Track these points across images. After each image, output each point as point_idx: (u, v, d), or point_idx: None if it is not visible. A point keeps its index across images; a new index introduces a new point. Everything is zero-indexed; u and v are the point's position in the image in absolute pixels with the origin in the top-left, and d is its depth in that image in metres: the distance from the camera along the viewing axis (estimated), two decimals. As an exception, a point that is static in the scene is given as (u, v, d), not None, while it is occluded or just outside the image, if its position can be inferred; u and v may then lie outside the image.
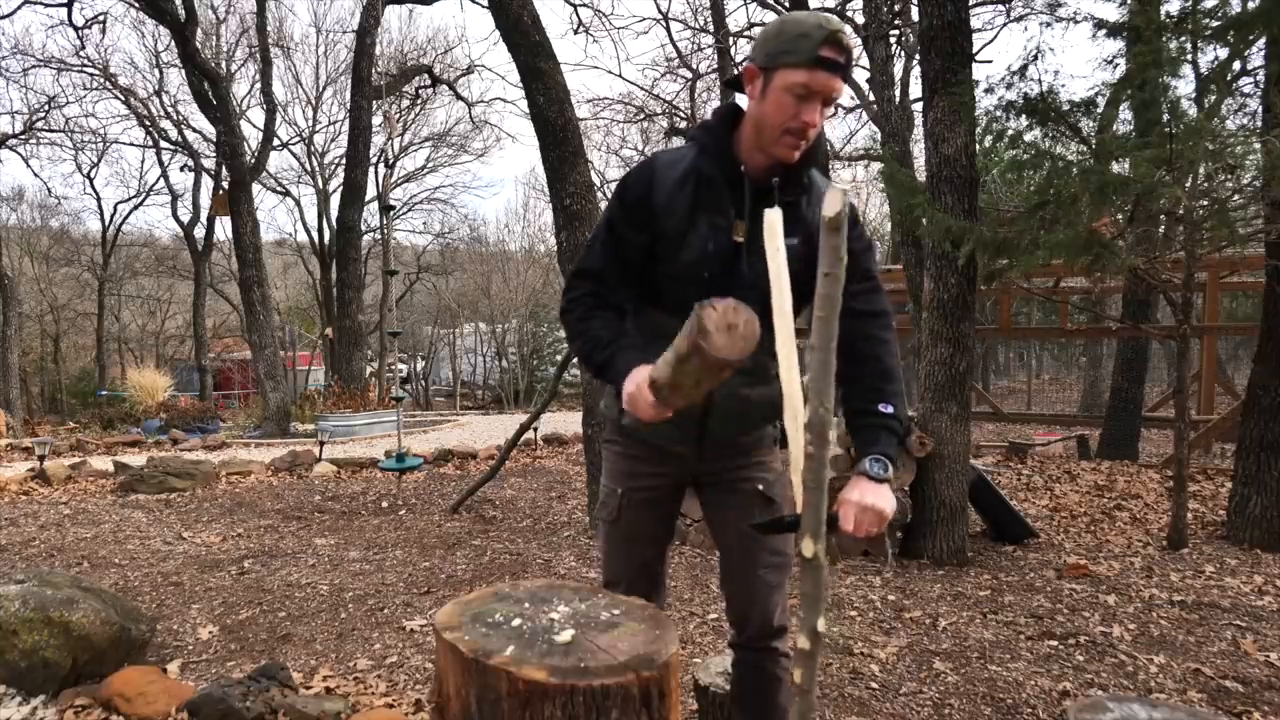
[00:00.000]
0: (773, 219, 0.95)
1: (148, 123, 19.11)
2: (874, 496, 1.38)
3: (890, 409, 1.46)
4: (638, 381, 1.37)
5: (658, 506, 1.73)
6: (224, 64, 18.13)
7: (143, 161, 47.95)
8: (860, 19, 9.73)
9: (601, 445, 1.79)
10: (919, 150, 7.08)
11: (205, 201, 20.39)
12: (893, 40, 8.95)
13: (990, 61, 23.31)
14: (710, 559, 4.16)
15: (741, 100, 1.54)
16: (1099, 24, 4.42)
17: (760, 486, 1.67)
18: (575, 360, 5.41)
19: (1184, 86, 4.22)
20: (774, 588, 1.68)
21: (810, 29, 1.36)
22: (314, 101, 21.61)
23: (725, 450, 1.66)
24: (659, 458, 1.67)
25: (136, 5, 13.60)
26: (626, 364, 1.45)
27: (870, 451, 1.44)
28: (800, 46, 1.36)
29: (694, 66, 14.35)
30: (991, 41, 32.89)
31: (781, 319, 1.15)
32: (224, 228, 18.66)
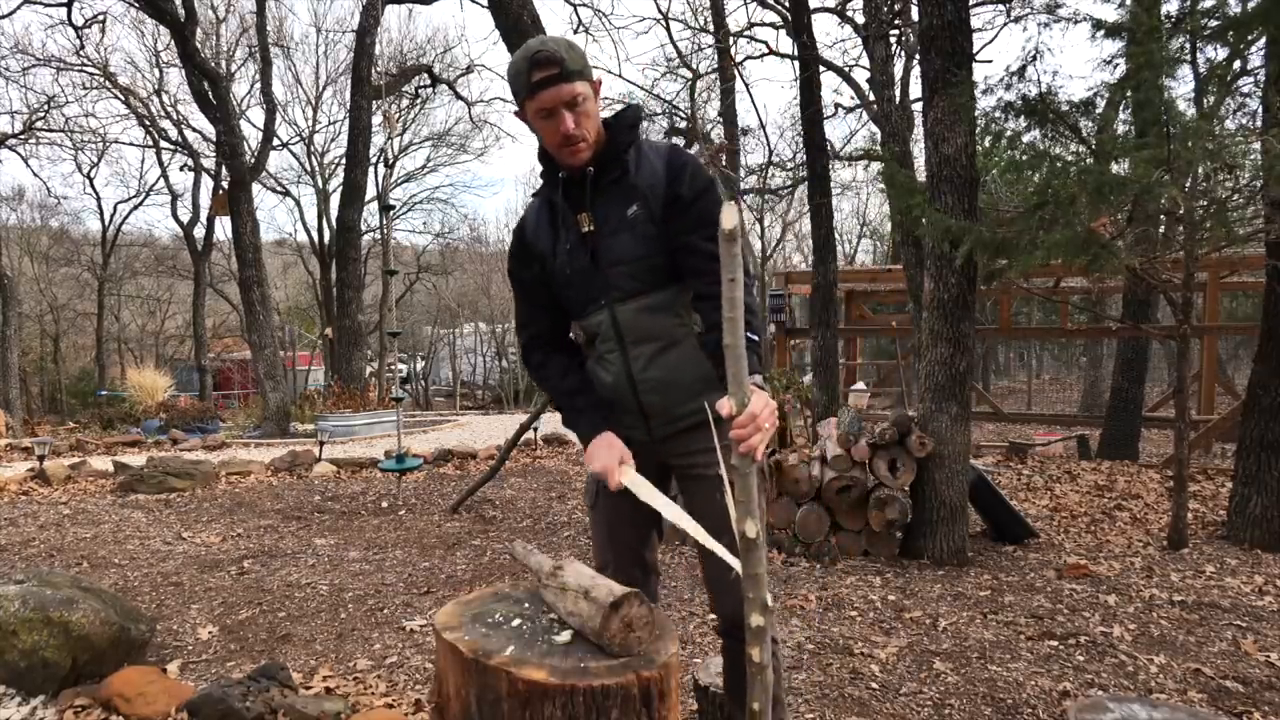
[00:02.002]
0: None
1: (148, 122, 19.11)
2: (764, 396, 1.37)
3: (755, 337, 1.55)
4: (605, 466, 1.61)
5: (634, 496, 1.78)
6: (224, 64, 18.14)
7: (143, 161, 47.99)
8: (860, 19, 9.73)
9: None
10: (919, 150, 7.08)
11: (205, 201, 20.41)
12: (893, 40, 8.95)
13: (990, 61, 23.31)
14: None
15: None
16: (1097, 24, 4.42)
17: (723, 471, 1.71)
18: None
19: (1183, 87, 4.23)
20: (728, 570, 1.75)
21: (519, 65, 1.56)
22: (314, 101, 21.64)
23: (676, 428, 1.76)
24: (626, 444, 1.74)
25: (136, 5, 13.60)
26: (588, 428, 1.70)
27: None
28: (519, 83, 1.57)
29: (694, 66, 14.36)
30: (991, 41, 32.92)
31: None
32: (224, 228, 18.66)
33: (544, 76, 1.53)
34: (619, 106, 1.71)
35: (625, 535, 1.81)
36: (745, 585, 1.19)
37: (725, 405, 1.22)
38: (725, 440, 1.71)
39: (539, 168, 1.76)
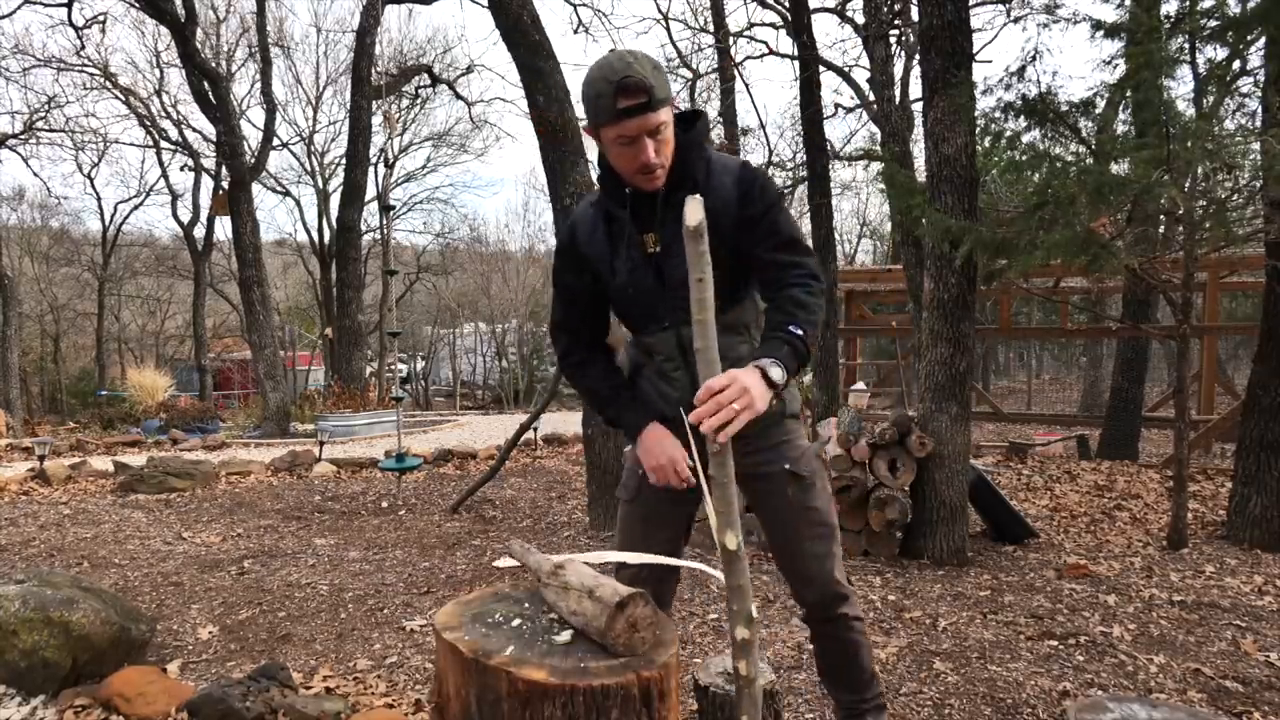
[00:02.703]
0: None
1: (148, 123, 19.12)
2: (747, 376, 1.31)
3: (798, 330, 1.50)
4: (672, 456, 1.63)
5: (676, 491, 1.78)
6: (224, 64, 18.14)
7: (143, 161, 48.02)
8: (860, 19, 9.73)
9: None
10: (919, 150, 7.07)
11: (205, 201, 20.41)
12: (893, 40, 8.95)
13: (990, 61, 23.32)
14: (710, 558, 4.16)
15: None
16: (1097, 25, 4.42)
17: (787, 466, 1.76)
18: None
19: (1182, 87, 4.23)
20: (824, 558, 1.78)
21: (601, 87, 1.48)
22: (314, 101, 21.64)
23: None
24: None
25: (136, 5, 13.60)
26: (634, 423, 1.70)
27: (763, 353, 1.46)
28: (601, 107, 1.49)
29: (694, 66, 14.36)
30: (991, 41, 32.93)
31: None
32: (224, 228, 18.67)
33: (631, 105, 1.47)
34: (683, 108, 1.69)
35: (658, 534, 1.81)
36: (730, 597, 1.16)
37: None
38: (783, 438, 1.78)
39: (596, 173, 1.77)
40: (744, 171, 1.65)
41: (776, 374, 1.40)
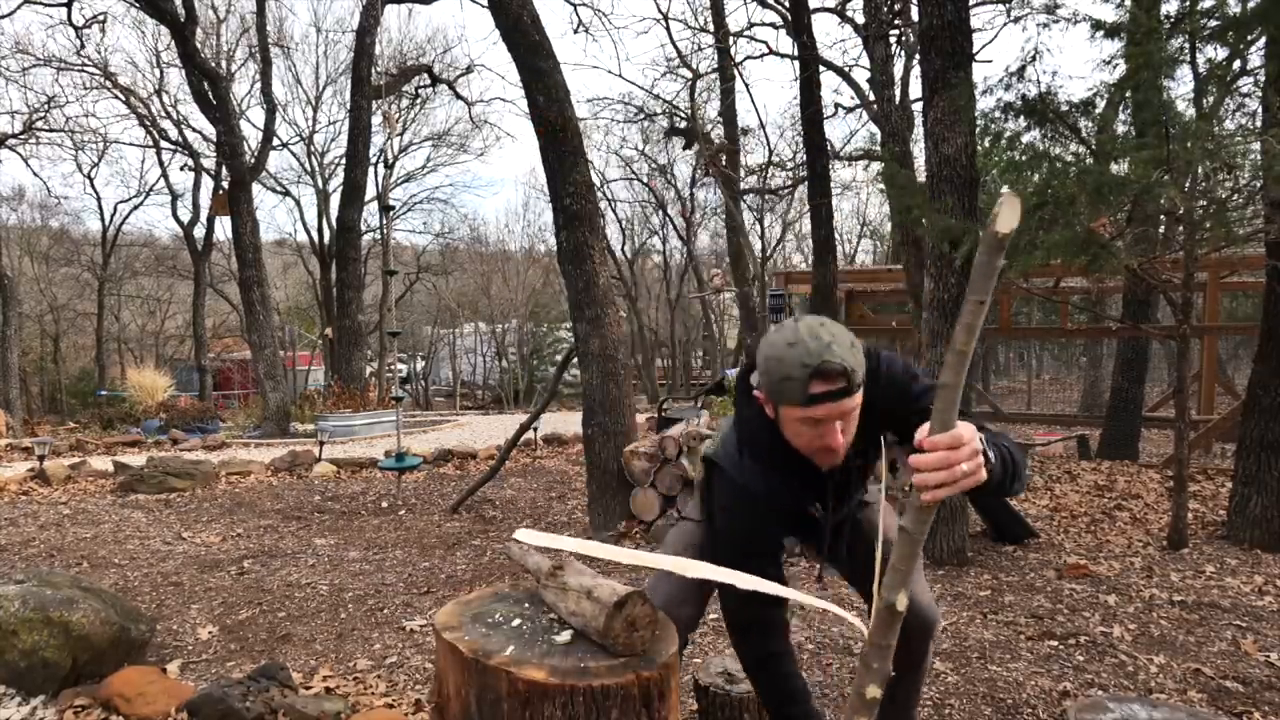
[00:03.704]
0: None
1: (148, 122, 19.11)
2: (979, 440, 1.05)
3: (1010, 449, 1.33)
4: None
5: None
6: (224, 64, 18.14)
7: (143, 161, 47.91)
8: (860, 19, 9.73)
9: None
10: (919, 150, 7.08)
11: (205, 201, 20.40)
12: (893, 40, 8.95)
13: (990, 61, 23.30)
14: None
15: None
16: (1097, 25, 4.42)
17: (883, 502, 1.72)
18: (575, 360, 5.42)
19: (1182, 87, 4.22)
20: (918, 572, 1.79)
21: (793, 370, 1.33)
22: (314, 101, 21.64)
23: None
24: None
25: (136, 5, 13.59)
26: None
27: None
28: (789, 390, 1.35)
29: (694, 66, 14.36)
30: (991, 41, 32.91)
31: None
32: (224, 228, 18.67)
33: (827, 391, 1.33)
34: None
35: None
36: (870, 654, 1.03)
37: (921, 431, 0.99)
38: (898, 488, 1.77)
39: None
40: (887, 390, 1.51)
41: (992, 456, 1.20)
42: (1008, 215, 0.80)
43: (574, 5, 13.16)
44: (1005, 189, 0.81)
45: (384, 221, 8.76)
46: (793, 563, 4.13)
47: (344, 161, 15.39)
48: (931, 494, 0.97)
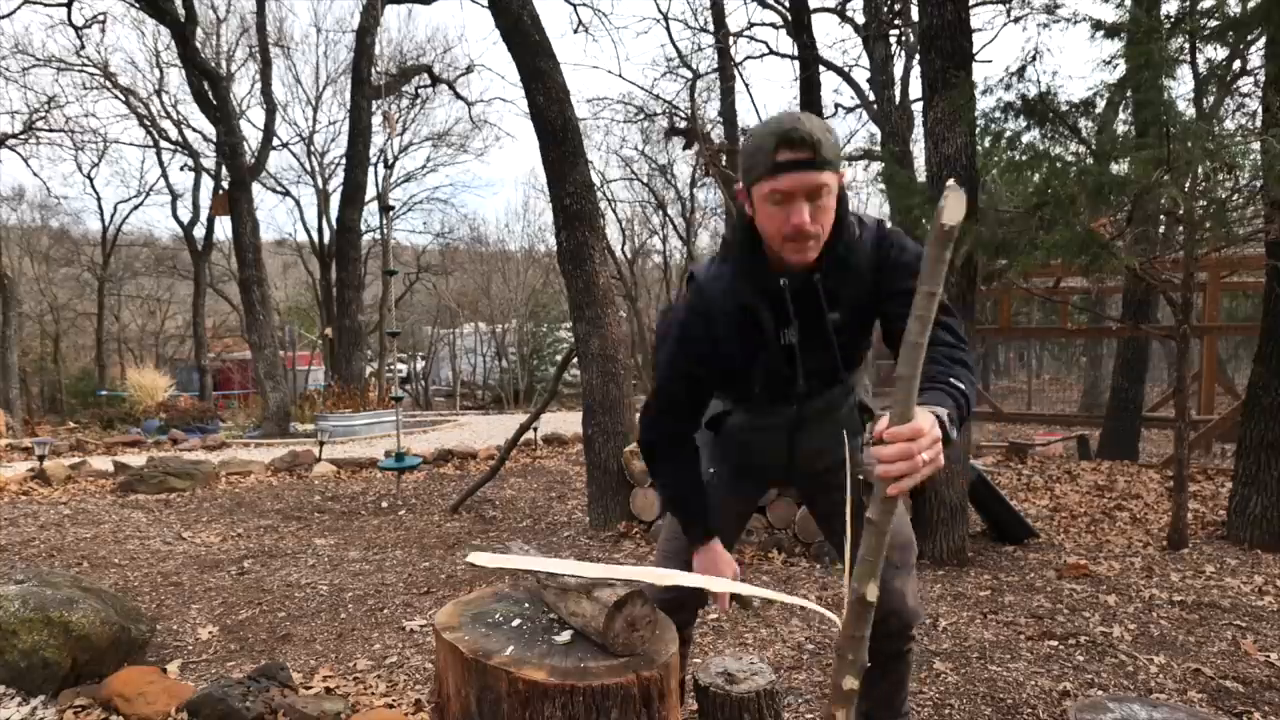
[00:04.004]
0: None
1: (148, 123, 19.12)
2: (936, 427, 1.09)
3: (961, 385, 1.33)
4: (716, 576, 1.63)
5: (738, 494, 1.84)
6: (224, 64, 18.14)
7: (143, 161, 48.04)
8: (860, 19, 9.73)
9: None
10: (919, 150, 7.08)
11: (205, 201, 20.41)
12: (893, 40, 8.95)
13: (990, 61, 23.30)
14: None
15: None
16: (1097, 25, 4.42)
17: (862, 476, 1.69)
18: (575, 360, 5.42)
19: (1182, 87, 4.23)
20: (904, 569, 1.74)
21: (764, 139, 1.37)
22: (314, 101, 21.63)
23: (816, 462, 1.77)
24: (760, 473, 1.81)
25: (136, 5, 13.60)
26: (698, 535, 1.70)
27: (931, 402, 1.28)
28: (759, 160, 1.37)
29: (694, 66, 14.35)
30: (991, 41, 32.92)
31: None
32: (224, 228, 18.66)
33: (793, 159, 1.34)
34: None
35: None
36: (844, 646, 1.04)
37: (881, 424, 1.02)
38: (861, 471, 1.70)
39: (734, 243, 1.54)
40: (883, 241, 1.52)
41: (951, 429, 1.22)
42: (953, 208, 0.83)
43: (574, 5, 13.17)
44: (950, 181, 0.82)
45: (384, 221, 8.76)
46: (792, 563, 4.13)
47: (344, 161, 15.39)
48: (896, 486, 0.99)
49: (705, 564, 1.70)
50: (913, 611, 1.77)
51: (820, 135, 1.35)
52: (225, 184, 13.57)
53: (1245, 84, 4.45)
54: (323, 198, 21.16)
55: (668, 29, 14.39)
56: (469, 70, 19.77)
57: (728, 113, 13.26)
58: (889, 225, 1.58)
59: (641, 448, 1.75)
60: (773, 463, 1.79)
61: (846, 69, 11.65)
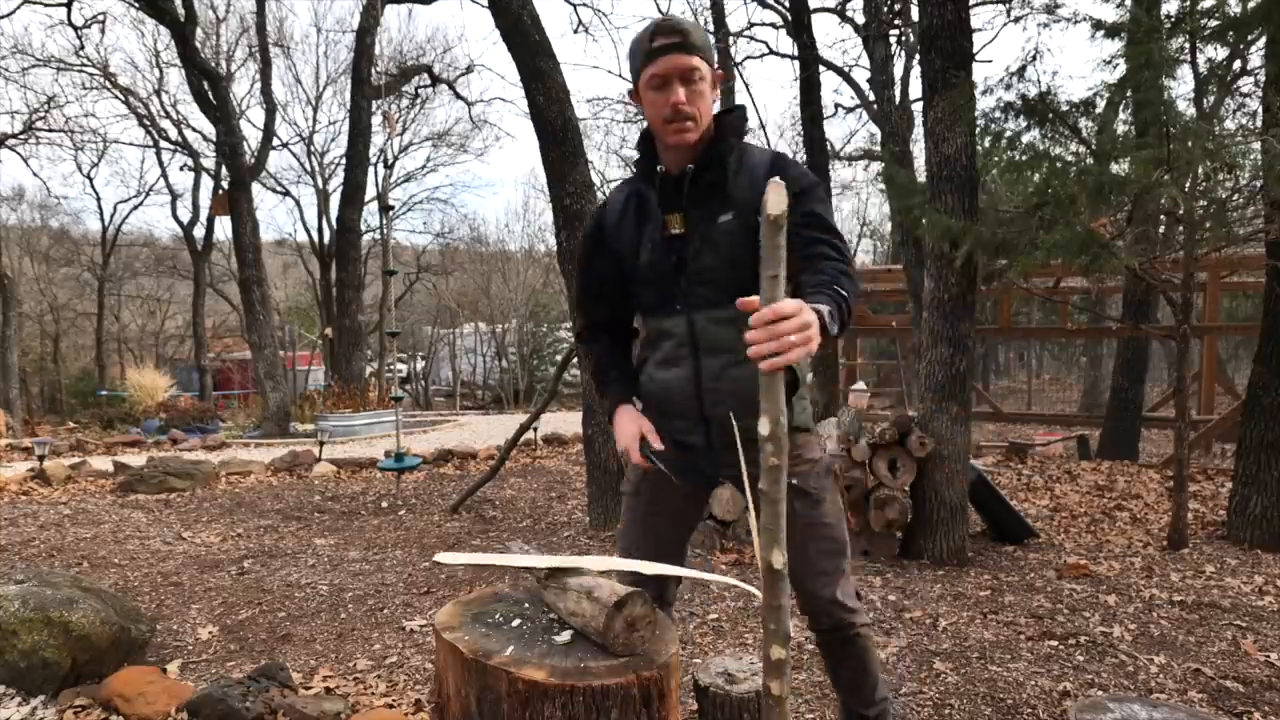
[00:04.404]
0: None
1: (148, 122, 19.12)
2: (809, 312, 1.12)
3: (844, 292, 1.41)
4: (629, 436, 1.65)
5: (677, 491, 1.76)
6: (224, 64, 18.14)
7: (143, 161, 48.08)
8: (860, 19, 9.73)
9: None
10: (919, 150, 7.08)
11: (205, 201, 20.41)
12: (893, 40, 8.95)
13: (990, 61, 23.31)
14: (710, 559, 4.16)
15: None
16: (1097, 25, 4.43)
17: (794, 481, 1.67)
18: (575, 360, 5.42)
19: (1183, 87, 4.23)
20: (831, 575, 1.73)
21: (641, 35, 1.56)
22: (314, 101, 21.64)
23: (737, 441, 1.71)
24: (682, 449, 1.73)
25: (136, 5, 13.59)
26: (613, 401, 1.74)
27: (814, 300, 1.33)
28: (637, 49, 1.56)
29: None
30: (991, 41, 32.93)
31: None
32: (224, 228, 18.67)
33: (665, 44, 1.51)
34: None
35: (660, 531, 1.81)
36: (766, 616, 1.09)
37: (750, 302, 1.06)
38: (792, 453, 1.68)
39: (632, 158, 1.73)
40: (777, 160, 1.61)
41: (830, 323, 1.30)
42: (774, 199, 0.93)
43: (574, 5, 13.17)
44: (775, 179, 0.88)
45: (384, 221, 8.75)
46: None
47: (344, 161, 15.39)
48: (768, 364, 1.04)
49: (618, 426, 1.72)
50: (837, 604, 1.75)
51: (689, 26, 1.52)
52: (225, 184, 13.57)
53: (1245, 84, 4.45)
54: (323, 198, 21.16)
55: (668, 29, 14.34)
56: (469, 70, 19.80)
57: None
58: (788, 155, 1.72)
59: (576, 341, 1.86)
60: (683, 417, 1.71)
61: (846, 69, 11.66)
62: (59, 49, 25.79)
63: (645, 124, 1.67)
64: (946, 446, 4.14)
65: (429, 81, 17.87)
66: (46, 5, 14.00)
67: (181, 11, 11.58)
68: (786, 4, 10.30)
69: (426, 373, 27.06)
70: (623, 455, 1.69)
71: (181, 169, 25.18)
